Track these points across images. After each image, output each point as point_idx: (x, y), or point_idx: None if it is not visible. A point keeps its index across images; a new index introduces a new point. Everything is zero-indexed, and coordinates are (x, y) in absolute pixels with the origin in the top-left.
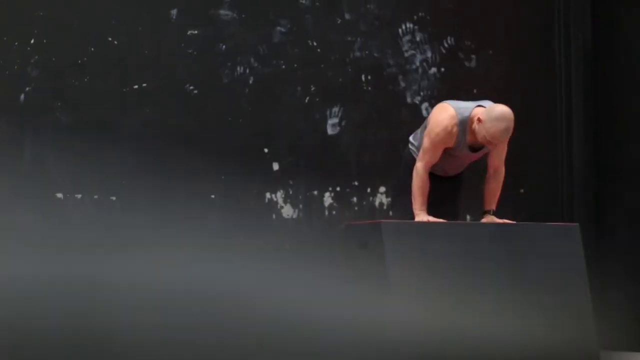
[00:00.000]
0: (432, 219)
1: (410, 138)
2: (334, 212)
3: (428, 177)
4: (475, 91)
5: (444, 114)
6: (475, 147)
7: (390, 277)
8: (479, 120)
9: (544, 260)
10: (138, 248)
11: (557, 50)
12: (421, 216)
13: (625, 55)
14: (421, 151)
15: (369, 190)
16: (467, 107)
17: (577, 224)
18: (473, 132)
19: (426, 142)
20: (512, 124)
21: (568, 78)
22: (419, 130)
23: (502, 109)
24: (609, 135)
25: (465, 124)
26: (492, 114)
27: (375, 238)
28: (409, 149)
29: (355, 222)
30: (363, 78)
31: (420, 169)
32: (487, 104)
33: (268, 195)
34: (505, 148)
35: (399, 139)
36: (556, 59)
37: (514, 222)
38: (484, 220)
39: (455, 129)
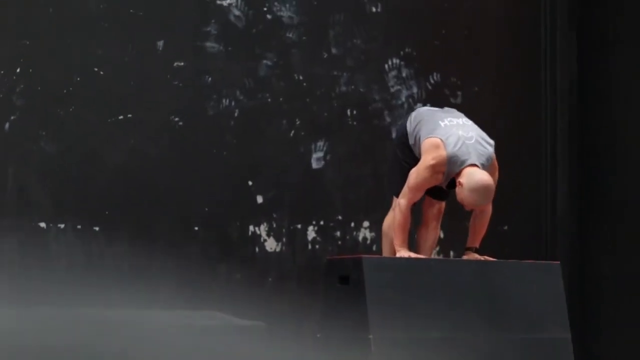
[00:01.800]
0: (413, 255)
1: (407, 125)
2: (317, 246)
3: (410, 214)
4: None
5: (435, 154)
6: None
7: (370, 312)
8: (460, 183)
9: (525, 297)
10: (119, 280)
11: (543, 88)
12: (402, 252)
13: (609, 95)
14: (406, 187)
15: (352, 224)
16: (461, 154)
17: (559, 262)
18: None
19: (412, 180)
20: (488, 194)
21: (553, 116)
22: (411, 121)
23: (479, 180)
24: (592, 173)
25: (452, 172)
26: (470, 183)
27: (356, 273)
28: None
29: (336, 257)
30: (349, 112)
31: (403, 206)
32: (482, 144)
33: (251, 228)
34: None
35: (384, 174)
36: (541, 98)
37: (495, 259)
38: (465, 257)
39: (443, 171)
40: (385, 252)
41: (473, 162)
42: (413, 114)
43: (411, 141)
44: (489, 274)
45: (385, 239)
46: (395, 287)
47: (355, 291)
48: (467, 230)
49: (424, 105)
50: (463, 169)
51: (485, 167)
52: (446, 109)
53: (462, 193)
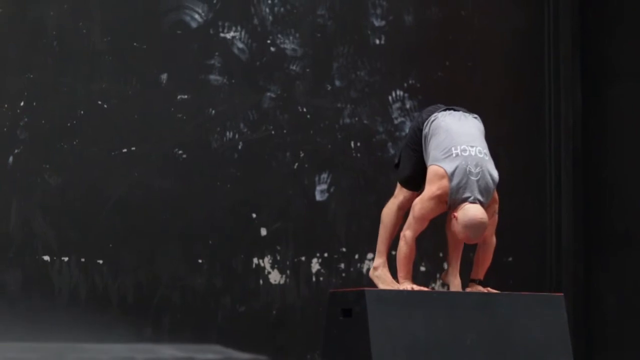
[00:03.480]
0: (416, 287)
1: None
2: (321, 278)
3: (415, 246)
4: None
5: (440, 184)
6: None
7: (373, 345)
8: (455, 217)
9: (528, 330)
10: (123, 314)
11: (547, 120)
12: (405, 284)
13: (614, 126)
14: (411, 218)
15: (357, 256)
16: (463, 190)
17: (562, 294)
18: None
19: (417, 210)
20: (480, 230)
21: (557, 148)
22: (429, 126)
23: (472, 217)
24: (597, 204)
25: (453, 204)
26: (464, 219)
27: (359, 306)
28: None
29: (339, 289)
30: (352, 144)
31: (409, 237)
32: (487, 180)
33: (255, 260)
34: (496, 221)
35: None
36: (546, 129)
37: (498, 291)
38: (468, 289)
39: (447, 201)
40: (380, 239)
41: (473, 200)
42: (433, 120)
43: (423, 144)
44: (491, 306)
45: (382, 227)
46: (398, 319)
47: (358, 324)
48: (472, 261)
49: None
50: (462, 203)
51: (484, 203)
52: (466, 122)
53: (456, 227)
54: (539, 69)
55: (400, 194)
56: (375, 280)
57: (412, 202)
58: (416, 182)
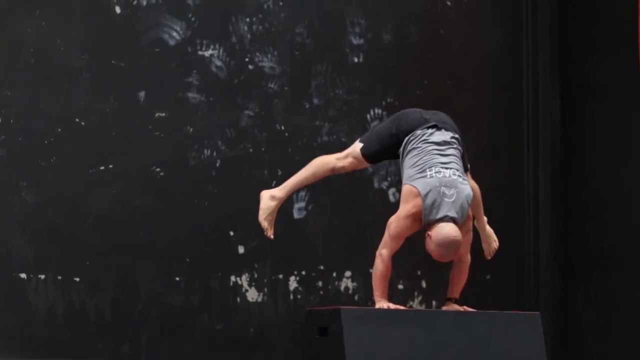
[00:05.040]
0: (392, 305)
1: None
2: (299, 296)
3: (391, 265)
4: None
5: (415, 202)
6: None
7: None
8: (428, 235)
9: (505, 348)
10: (101, 331)
11: (525, 138)
12: (382, 303)
13: (593, 144)
14: (387, 237)
15: (334, 274)
16: (435, 212)
17: (539, 312)
18: None
19: (392, 229)
20: (454, 249)
21: (535, 165)
22: (405, 145)
23: (446, 235)
24: (575, 222)
25: (427, 223)
26: (437, 237)
27: (335, 324)
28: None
29: (315, 307)
30: None
31: (385, 256)
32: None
33: (233, 278)
34: (471, 238)
35: (366, 224)
36: (524, 146)
37: (475, 309)
38: (445, 307)
39: (421, 219)
40: (302, 174)
41: (448, 220)
42: (413, 138)
43: (401, 156)
44: (468, 324)
45: (305, 168)
46: (375, 338)
47: (334, 343)
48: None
49: None
50: (435, 224)
51: (459, 222)
52: (445, 143)
53: (429, 246)
54: (517, 87)
55: (345, 160)
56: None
57: (346, 170)
58: (375, 159)
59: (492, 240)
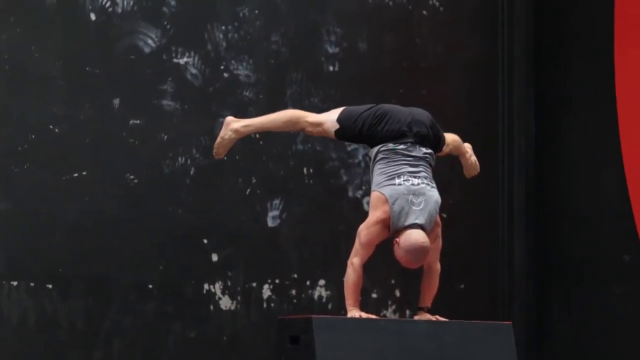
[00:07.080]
0: (364, 314)
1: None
2: (272, 305)
3: (363, 273)
4: None
5: (384, 208)
6: None
7: None
8: (397, 242)
9: (476, 358)
10: (73, 339)
11: (500, 148)
12: (353, 312)
13: (568, 155)
14: (358, 245)
15: (308, 282)
16: (404, 219)
17: (510, 322)
18: None
19: (363, 237)
20: (422, 255)
21: (510, 176)
22: (373, 153)
23: (414, 242)
24: (550, 233)
25: (395, 230)
26: (405, 244)
27: (307, 333)
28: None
29: (287, 316)
30: (305, 171)
31: (356, 264)
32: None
33: (206, 286)
34: (440, 245)
35: (340, 233)
36: (499, 157)
37: (446, 319)
38: (416, 317)
39: (389, 222)
40: (272, 121)
41: (416, 226)
42: (384, 149)
43: (371, 163)
44: (439, 334)
45: (282, 117)
46: (346, 347)
47: (305, 352)
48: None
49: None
50: (404, 229)
51: (427, 229)
52: (416, 156)
53: (398, 252)
54: (492, 97)
55: (317, 128)
56: None
57: (312, 135)
58: (345, 140)
59: (473, 168)
